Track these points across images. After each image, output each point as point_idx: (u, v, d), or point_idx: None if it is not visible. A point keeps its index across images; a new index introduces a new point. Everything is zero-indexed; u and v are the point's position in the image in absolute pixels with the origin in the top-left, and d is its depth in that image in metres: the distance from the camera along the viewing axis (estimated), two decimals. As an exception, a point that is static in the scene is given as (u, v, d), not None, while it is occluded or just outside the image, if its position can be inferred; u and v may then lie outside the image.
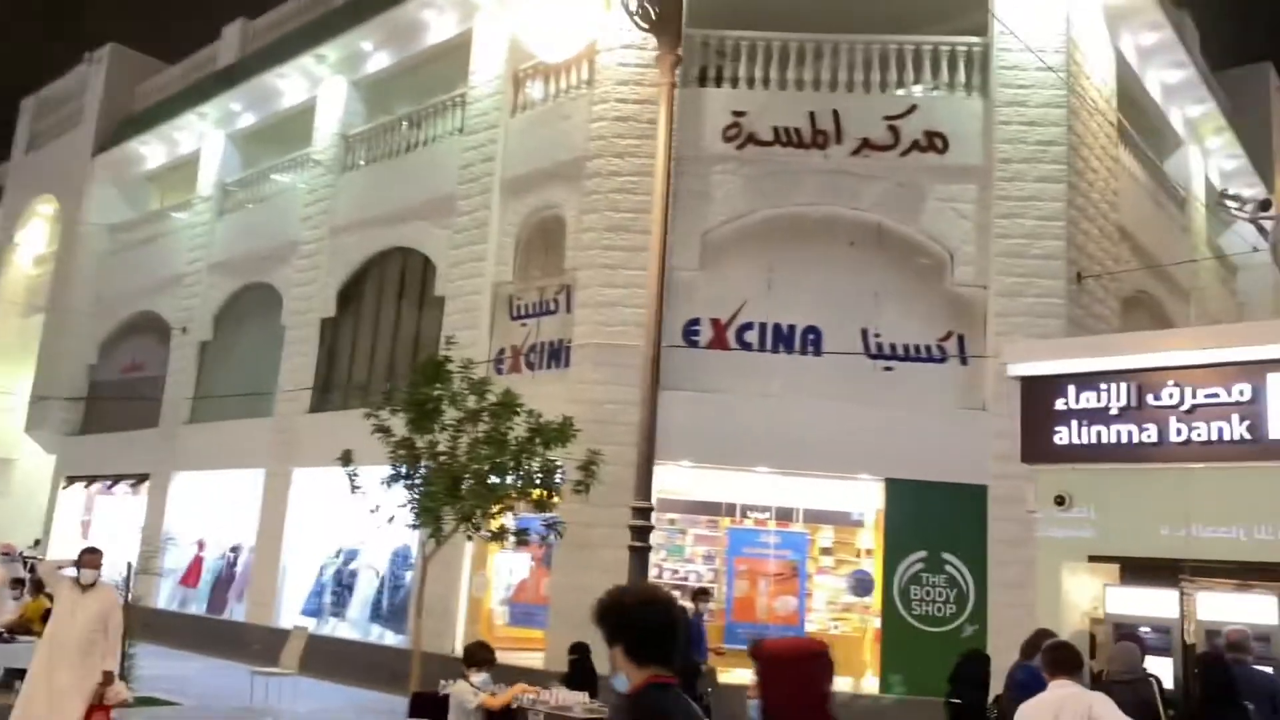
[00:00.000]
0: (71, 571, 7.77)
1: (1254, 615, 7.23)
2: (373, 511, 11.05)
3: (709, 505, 13.79)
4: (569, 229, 14.35)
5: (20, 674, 8.48)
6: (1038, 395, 8.44)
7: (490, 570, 14.53)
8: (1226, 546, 7.44)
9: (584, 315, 13.72)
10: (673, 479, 13.30)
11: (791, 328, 13.45)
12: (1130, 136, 15.61)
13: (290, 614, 16.82)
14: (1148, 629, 7.71)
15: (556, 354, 14.25)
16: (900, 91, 13.72)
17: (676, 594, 13.53)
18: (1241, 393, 7.45)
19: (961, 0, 14.01)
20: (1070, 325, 12.77)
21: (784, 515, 13.70)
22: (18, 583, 14.05)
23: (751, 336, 13.45)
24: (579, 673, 9.13)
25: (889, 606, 12.46)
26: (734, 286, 13.57)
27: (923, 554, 12.47)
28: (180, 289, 21.69)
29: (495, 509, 10.42)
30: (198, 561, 19.60)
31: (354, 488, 11.12)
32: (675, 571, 13.49)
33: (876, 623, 13.01)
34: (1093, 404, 8.07)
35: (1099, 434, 8.01)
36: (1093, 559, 8.11)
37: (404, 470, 10.54)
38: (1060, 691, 4.93)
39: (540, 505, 10.69)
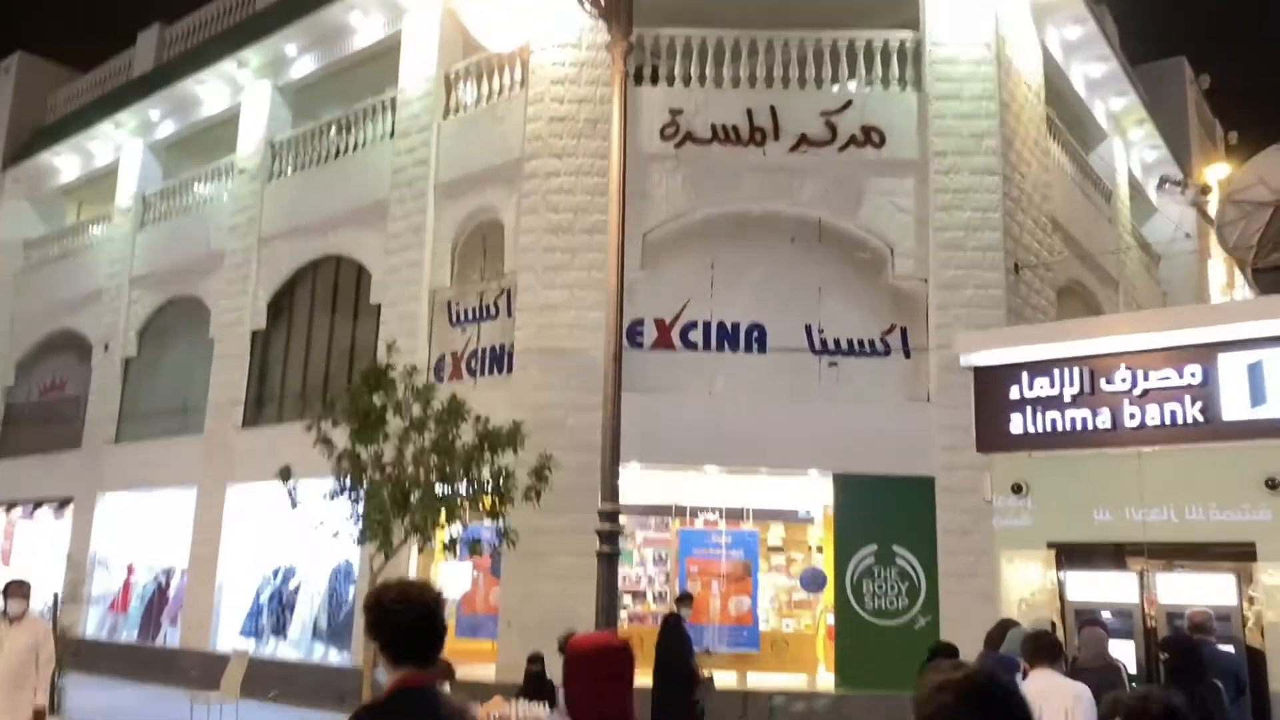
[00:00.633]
0: (-3, 605, 7.34)
1: (1214, 597, 7.31)
2: (316, 527, 10.67)
3: (658, 508, 13.65)
4: (508, 231, 14.11)
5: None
6: (991, 384, 8.46)
7: (436, 582, 14.18)
8: (1184, 529, 7.52)
9: (525, 319, 13.50)
10: (620, 481, 13.11)
11: (736, 326, 13.39)
12: (1058, 129, 15.88)
13: (228, 636, 16.28)
14: (1108, 614, 7.76)
15: (499, 359, 14.00)
16: (836, 87, 13.76)
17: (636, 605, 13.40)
18: (1193, 375, 7.54)
19: (894, -5, 14.15)
20: (1010, 315, 12.90)
21: (734, 515, 13.62)
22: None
23: (696, 336, 13.36)
24: (537, 683, 8.91)
25: (842, 602, 12.44)
26: (677, 286, 13.46)
27: (873, 548, 12.48)
28: (101, 305, 20.91)
29: (445, 519, 10.12)
30: (128, 586, 18.87)
31: (294, 503, 10.74)
32: (626, 577, 13.31)
33: (830, 619, 12.99)
34: (1046, 391, 8.11)
35: (1053, 421, 8.05)
36: (1051, 545, 8.14)
37: (348, 483, 10.21)
38: (1042, 682, 4.87)
39: (492, 514, 10.43)
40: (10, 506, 22.10)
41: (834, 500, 12.73)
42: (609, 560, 6.21)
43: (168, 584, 18.27)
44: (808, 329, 13.24)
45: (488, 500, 10.39)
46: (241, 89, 18.95)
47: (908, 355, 13.18)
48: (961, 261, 13.09)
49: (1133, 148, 19.99)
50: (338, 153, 17.04)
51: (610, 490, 6.31)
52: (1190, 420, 7.51)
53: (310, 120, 18.09)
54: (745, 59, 13.79)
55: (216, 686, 12.56)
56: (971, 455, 12.19)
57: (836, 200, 13.39)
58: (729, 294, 13.44)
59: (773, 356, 13.24)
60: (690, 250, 13.53)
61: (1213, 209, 22.28)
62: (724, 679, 12.68)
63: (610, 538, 6.28)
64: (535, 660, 9.21)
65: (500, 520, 10.47)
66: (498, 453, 10.42)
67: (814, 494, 13.47)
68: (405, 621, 2.94)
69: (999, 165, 13.40)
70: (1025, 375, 8.19)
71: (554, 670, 10.04)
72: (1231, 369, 7.42)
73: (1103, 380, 7.97)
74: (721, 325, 13.37)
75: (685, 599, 11.36)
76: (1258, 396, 7.37)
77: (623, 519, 13.48)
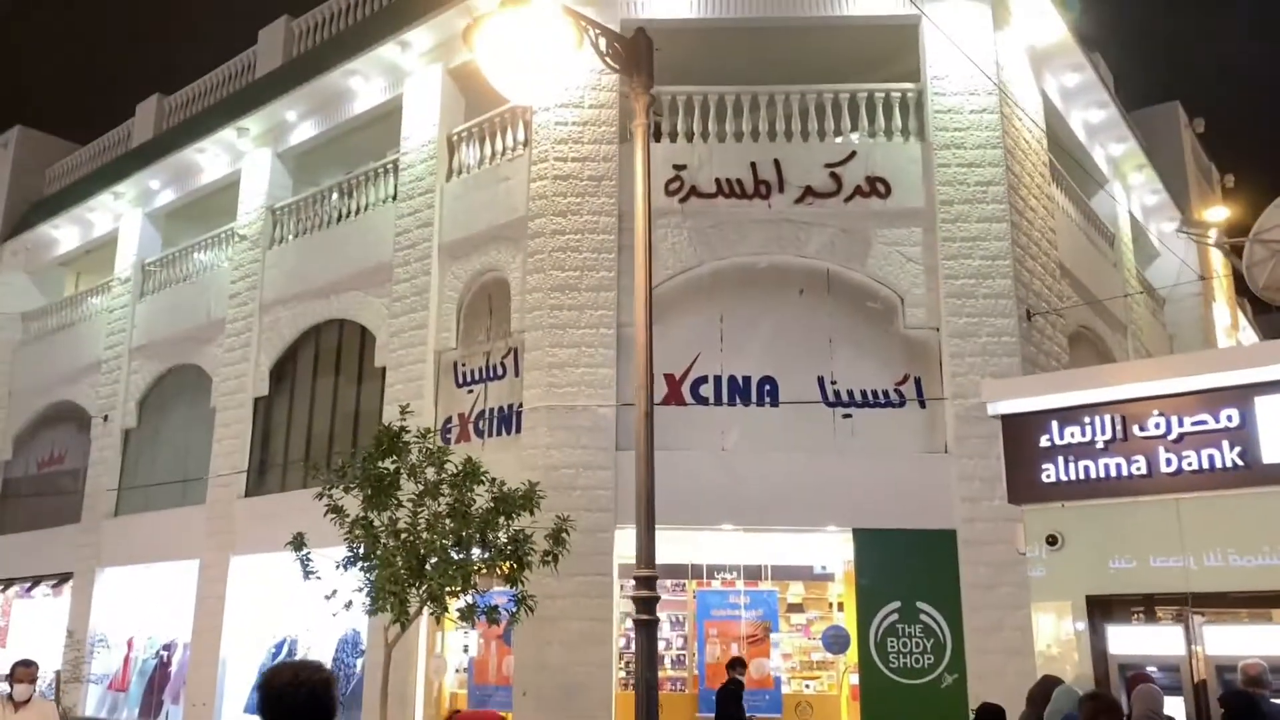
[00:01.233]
0: (3, 688, 7.04)
1: (1265, 647, 7.04)
2: (328, 597, 10.35)
3: (674, 568, 13.29)
4: (513, 291, 13.99)
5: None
6: (1021, 433, 8.25)
7: (445, 651, 13.83)
8: (1229, 577, 7.28)
9: (534, 378, 13.32)
10: (633, 543, 12.83)
11: (747, 379, 13.22)
12: (1060, 175, 15.88)
13: (233, 713, 15.82)
14: (1154, 668, 7.48)
15: (507, 419, 13.79)
16: (839, 139, 13.75)
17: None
18: (1230, 418, 7.35)
19: (894, 48, 14.22)
20: (1025, 363, 12.78)
21: (751, 574, 13.30)
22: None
23: (707, 390, 13.17)
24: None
25: (866, 661, 12.10)
26: (686, 340, 13.30)
27: (897, 604, 12.17)
28: (100, 376, 20.71)
29: (462, 586, 9.82)
30: (128, 663, 18.40)
31: (307, 573, 10.43)
32: (644, 640, 12.96)
33: (854, 679, 12.62)
34: (1078, 439, 7.91)
35: (1086, 469, 7.83)
36: (1089, 599, 7.89)
37: (361, 551, 9.91)
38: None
39: (510, 579, 10.13)
40: (7, 584, 21.67)
41: (854, 556, 12.44)
42: (648, 628, 5.95)
43: (169, 660, 17.83)
44: (820, 381, 13.06)
45: (505, 565, 10.09)
46: (241, 156, 18.96)
47: (923, 405, 13.00)
48: (973, 309, 12.97)
49: (1133, 192, 20.02)
50: (340, 217, 16.99)
51: (646, 555, 6.07)
52: (1229, 464, 7.31)
53: (311, 185, 18.07)
54: (747, 114, 13.79)
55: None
56: (993, 507, 11.97)
57: (844, 251, 13.30)
58: (739, 347, 13.28)
59: (785, 410, 13.04)
60: (698, 304, 13.40)
61: (1215, 252, 22.35)
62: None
63: (648, 604, 6.02)
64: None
65: (519, 586, 10.16)
66: (513, 516, 10.15)
67: (833, 550, 13.17)
68: (297, 703, 3.10)
69: (1006, 212, 13.34)
70: (1055, 423, 7.99)
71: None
72: (1270, 411, 7.23)
73: (1135, 427, 7.77)
74: (732, 379, 13.20)
75: (739, 664, 11.30)
76: (1298, 438, 7.20)
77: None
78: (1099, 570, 7.86)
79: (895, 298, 13.18)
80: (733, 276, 13.48)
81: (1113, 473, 7.77)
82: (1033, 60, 15.23)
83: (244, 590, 16.46)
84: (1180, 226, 18.33)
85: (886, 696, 11.91)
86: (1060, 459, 8.00)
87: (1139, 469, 7.68)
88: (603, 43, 6.63)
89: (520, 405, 13.47)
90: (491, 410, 14.07)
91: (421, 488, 10.04)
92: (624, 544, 12.76)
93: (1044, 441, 8.12)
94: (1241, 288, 26.48)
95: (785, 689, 12.99)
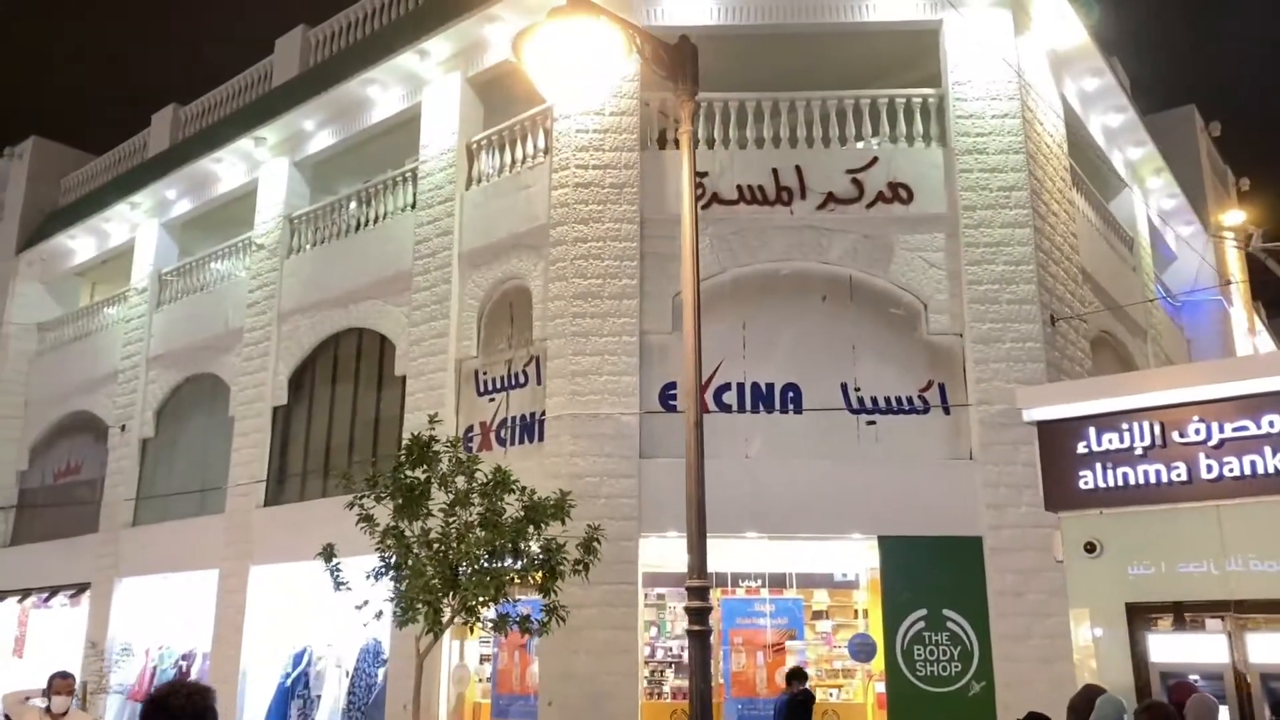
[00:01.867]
0: (40, 700, 7.02)
1: (1313, 654, 6.99)
2: (359, 607, 10.31)
3: (698, 576, 13.27)
4: (535, 299, 13.97)
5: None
6: (1056, 440, 8.20)
7: (467, 661, 13.78)
8: (1272, 583, 7.21)
9: (556, 386, 13.29)
10: (657, 551, 12.83)
11: (770, 386, 13.17)
12: (1081, 180, 15.83)
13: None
14: (1196, 676, 7.42)
15: (529, 428, 13.76)
16: (860, 145, 13.71)
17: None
18: (1272, 424, 7.29)
19: (915, 53, 14.20)
20: (1050, 369, 12.72)
21: (776, 582, 13.25)
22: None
23: (730, 398, 13.13)
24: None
25: (893, 669, 12.02)
26: (708, 348, 12.87)
27: (923, 612, 12.10)
28: (117, 385, 20.73)
29: (494, 596, 9.78)
30: (146, 673, 18.37)
31: (338, 584, 10.39)
32: (669, 649, 12.92)
33: (879, 687, 12.56)
34: (1116, 445, 7.85)
35: (1125, 476, 7.77)
36: (1129, 606, 7.82)
37: (393, 561, 9.88)
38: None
39: (543, 589, 10.08)
40: (24, 595, 21.67)
41: (880, 564, 12.38)
42: (702, 640, 5.90)
43: (188, 670, 17.77)
44: (844, 388, 13.02)
45: (538, 575, 10.05)
46: (258, 165, 18.98)
47: (947, 412, 12.94)
48: (997, 315, 12.91)
49: (1151, 196, 19.95)
50: (358, 225, 16.99)
51: (698, 564, 6.03)
52: (1272, 470, 7.25)
53: (329, 194, 18.08)
54: (769, 120, 13.77)
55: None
56: (1020, 513, 11.91)
57: (867, 257, 13.26)
58: (762, 355, 13.25)
59: (809, 417, 12.99)
60: (721, 312, 13.34)
61: (1232, 256, 22.27)
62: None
63: (701, 614, 5.98)
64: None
65: (552, 595, 10.12)
66: (543, 525, 10.12)
67: (857, 557, 13.12)
68: (187, 713, 3.41)
69: (1029, 217, 13.29)
70: (1092, 430, 7.94)
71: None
72: (1313, 416, 7.18)
73: (1175, 432, 7.72)
74: (756, 386, 13.16)
75: (801, 675, 11.54)
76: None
77: (661, 590, 13.31)
78: (1139, 577, 7.80)
79: (918, 304, 13.13)
80: (755, 283, 13.44)
81: (1152, 479, 7.72)
82: (1053, 64, 15.19)
83: (263, 600, 16.44)
84: (1215, 230, 18.18)
85: (914, 705, 11.84)
86: (1098, 465, 7.95)
87: (1179, 475, 7.62)
88: (648, 48, 6.62)
89: (543, 413, 13.45)
90: (514, 419, 14.04)
91: (452, 497, 10.01)
92: (648, 552, 12.73)
93: (1081, 448, 8.07)
94: (1258, 292, 26.41)
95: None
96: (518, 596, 10.67)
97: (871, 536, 12.53)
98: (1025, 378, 12.37)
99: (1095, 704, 6.79)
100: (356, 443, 16.31)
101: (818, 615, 13.32)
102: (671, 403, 13.15)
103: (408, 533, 10.00)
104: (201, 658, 17.43)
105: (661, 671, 12.81)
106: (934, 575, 12.19)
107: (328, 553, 10.40)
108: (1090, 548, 7.97)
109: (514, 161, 14.90)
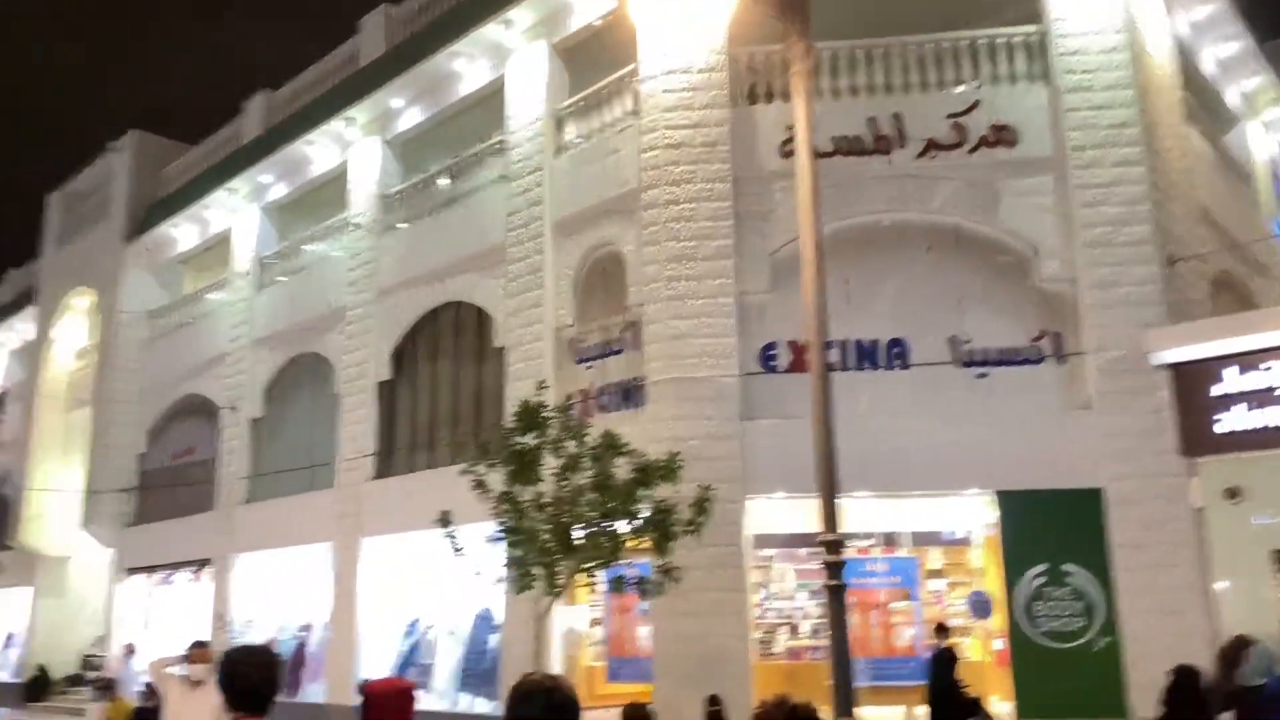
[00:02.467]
0: (180, 669, 7.26)
1: None
2: (478, 574, 10.43)
3: (807, 537, 13.05)
4: (629, 264, 13.89)
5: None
6: (1192, 382, 7.81)
7: (580, 624, 13.90)
8: None
9: (655, 350, 13.21)
10: (764, 513, 12.71)
11: (874, 342, 12.89)
12: (1195, 113, 15.06)
13: (372, 690, 16.15)
14: (1356, 625, 7.03)
15: (628, 394, 13.71)
16: (960, 88, 13.24)
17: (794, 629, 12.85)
18: None
19: (1013, -11, 13.62)
20: (1170, 311, 12.14)
21: (889, 540, 13.02)
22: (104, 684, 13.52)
23: (834, 355, 12.82)
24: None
25: (1014, 626, 11.73)
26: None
27: (1044, 567, 11.76)
28: (225, 368, 21.35)
29: (610, 557, 9.81)
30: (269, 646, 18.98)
31: (456, 549, 10.52)
32: (780, 611, 12.82)
33: (998, 644, 12.29)
34: (1259, 385, 7.43)
35: (1270, 417, 7.37)
36: (1277, 553, 7.43)
37: (510, 525, 9.95)
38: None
39: (658, 550, 10.06)
40: (151, 572, 22.59)
41: (999, 519, 12.06)
42: (838, 594, 5.78)
43: (307, 641, 18.33)
44: (952, 341, 12.67)
45: (652, 536, 10.03)
46: (349, 145, 19.22)
47: (1061, 361, 12.49)
48: (1112, 259, 12.38)
49: (1270, 128, 18.89)
50: (450, 200, 17.12)
51: (829, 518, 5.90)
52: None
53: (419, 171, 18.24)
54: (863, 68, 13.39)
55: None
56: (1144, 462, 11.44)
57: (971, 204, 12.83)
58: (865, 310, 12.93)
59: (917, 372, 12.68)
60: (820, 268, 13.06)
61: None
62: (890, 714, 12.10)
63: (836, 569, 5.86)
64: (715, 702, 8.79)
65: (665, 557, 10.10)
66: (653, 487, 10.09)
67: (972, 513, 12.80)
68: (250, 677, 3.71)
69: (1142, 155, 12.68)
70: (1230, 370, 7.53)
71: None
72: None
73: (1322, 369, 7.28)
74: (860, 343, 12.87)
75: (944, 630, 11.48)
76: None
77: (770, 552, 13.19)
78: (1287, 523, 7.40)
79: (1028, 250, 12.68)
80: (855, 237, 13.09)
81: (1300, 420, 7.30)
82: (1161, -7, 14.42)
83: (375, 571, 16.81)
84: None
85: (1038, 661, 11.55)
86: (1239, 407, 7.55)
87: (1329, 415, 7.19)
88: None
89: (642, 379, 13.39)
90: (613, 385, 14.00)
91: (563, 461, 10.03)
92: (754, 514, 12.62)
93: (1219, 390, 7.66)
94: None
95: (927, 655, 12.68)
96: (628, 560, 10.66)
97: (987, 492, 12.22)
98: (1145, 322, 11.83)
99: (1246, 654, 6.47)
100: (460, 414, 16.51)
101: (933, 574, 13.05)
102: (771, 363, 12.97)
103: (522, 498, 10.05)
104: (319, 628, 17.94)
105: (773, 632, 12.72)
106: (1054, 529, 11.84)
107: (445, 519, 10.53)
108: (1232, 493, 7.60)
109: (602, 126, 14.79)
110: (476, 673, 14.94)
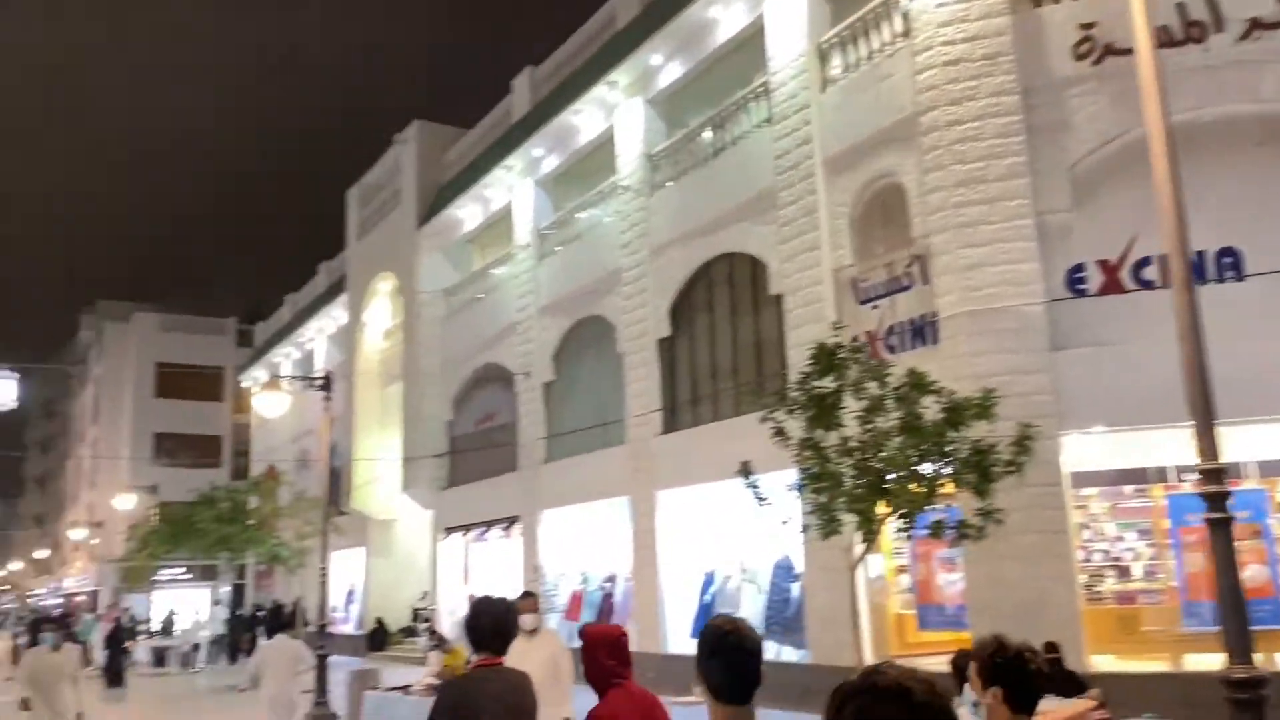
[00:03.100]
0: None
1: None
2: (784, 522, 10.33)
3: (1132, 473, 12.06)
4: (910, 194, 13.21)
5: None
6: None
7: (886, 571, 13.54)
8: None
9: (947, 283, 12.51)
10: (1081, 449, 11.78)
11: (1200, 254, 11.46)
12: None
13: (678, 638, 16.61)
14: None
15: (919, 331, 13.08)
16: (1287, -46, 11.51)
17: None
18: None
19: None
20: None
21: (1231, 472, 11.66)
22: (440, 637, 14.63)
23: (1151, 273, 11.65)
24: (1060, 675, 7.94)
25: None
26: (1118, 221, 11.83)
27: None
28: (515, 337, 22.48)
29: (926, 500, 9.41)
30: (577, 596, 19.96)
31: (760, 499, 10.47)
32: (1106, 552, 11.88)
33: (1376, 585, 10.77)
34: None
35: None
36: None
37: (814, 471, 9.75)
38: None
39: (979, 492, 9.54)
40: (466, 530, 24.35)
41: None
42: (1222, 527, 5.19)
43: (612, 591, 19.09)
44: (1295, 245, 11.11)
45: (969, 478, 9.51)
46: (613, 109, 19.53)
47: None
48: None
49: None
50: (716, 152, 17.02)
51: (1208, 447, 5.31)
52: None
53: (682, 126, 18.24)
54: (1167, -54, 11.90)
55: (673, 688, 12.63)
56: None
57: (1311, 86, 11.16)
58: (1189, 218, 11.56)
59: (1254, 284, 11.23)
60: (1128, 178, 11.77)
61: None
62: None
63: (1218, 500, 5.26)
64: (1052, 648, 8.22)
65: (985, 499, 9.55)
66: (965, 427, 9.53)
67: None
68: (487, 624, 4.28)
69: None
70: None
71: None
72: None
73: None
74: (1182, 256, 11.54)
75: None
76: None
77: (1091, 490, 12.22)
78: None
79: (1389, 131, 10.88)
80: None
81: None
82: None
83: (671, 522, 17.18)
84: None
85: None
86: None
87: None
88: None
89: (934, 315, 12.73)
90: (901, 324, 13.41)
91: (865, 404, 9.68)
92: (1071, 451, 11.73)
93: None
94: None
95: (1284, 599, 11.35)
96: (939, 504, 10.18)
97: (1349, 412, 10.68)
98: None
99: None
100: (740, 366, 16.48)
101: (1284, 506, 11.62)
102: (1080, 286, 11.94)
103: (825, 443, 9.81)
104: (622, 580, 18.61)
105: (1101, 575, 11.80)
106: None
107: (745, 469, 10.47)
108: None
109: (870, 54, 14.10)
110: (780, 621, 14.93)
